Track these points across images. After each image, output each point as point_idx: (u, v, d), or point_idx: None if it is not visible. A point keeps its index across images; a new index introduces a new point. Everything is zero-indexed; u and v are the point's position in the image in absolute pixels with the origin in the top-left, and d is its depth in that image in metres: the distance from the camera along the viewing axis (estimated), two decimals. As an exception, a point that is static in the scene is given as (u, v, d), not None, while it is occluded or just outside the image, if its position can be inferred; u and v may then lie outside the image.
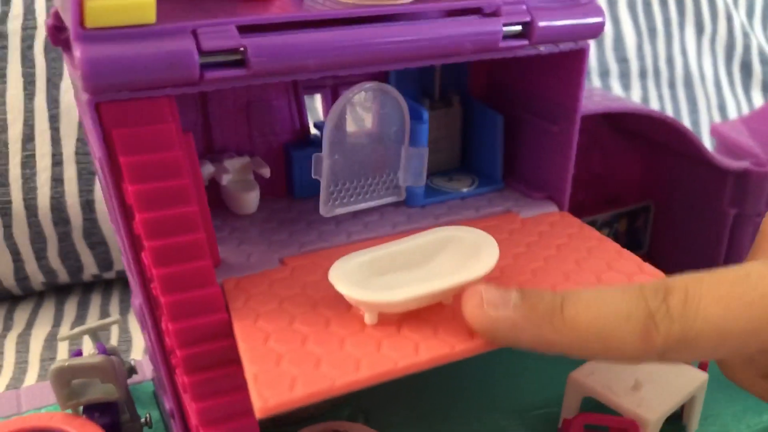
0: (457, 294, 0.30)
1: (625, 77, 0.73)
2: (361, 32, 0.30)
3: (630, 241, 0.54)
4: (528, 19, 0.33)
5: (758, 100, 0.79)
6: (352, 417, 0.43)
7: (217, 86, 0.28)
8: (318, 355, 0.28)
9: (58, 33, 0.33)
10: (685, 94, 0.75)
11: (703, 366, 0.43)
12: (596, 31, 0.35)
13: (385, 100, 0.35)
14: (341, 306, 0.30)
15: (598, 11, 0.35)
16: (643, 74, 0.74)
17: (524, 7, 0.33)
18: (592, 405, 0.40)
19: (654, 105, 0.75)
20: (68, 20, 0.26)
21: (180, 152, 0.28)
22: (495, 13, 0.32)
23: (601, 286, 0.29)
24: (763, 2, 0.81)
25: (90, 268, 0.61)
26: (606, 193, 0.53)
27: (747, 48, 0.78)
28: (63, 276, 0.61)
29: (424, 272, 0.31)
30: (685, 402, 0.40)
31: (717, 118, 0.77)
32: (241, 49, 0.28)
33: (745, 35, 0.78)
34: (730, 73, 0.78)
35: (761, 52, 0.79)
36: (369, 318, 0.29)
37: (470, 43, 0.32)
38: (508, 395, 0.45)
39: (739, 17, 0.78)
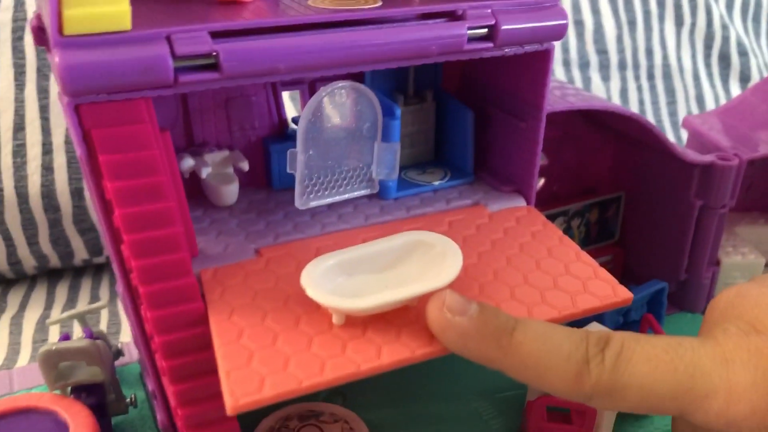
0: (421, 298, 0.31)
1: (604, 69, 0.74)
2: (331, 37, 0.31)
3: (601, 229, 0.55)
4: (492, 22, 0.34)
5: (736, 91, 0.81)
6: (329, 398, 0.45)
7: (192, 89, 0.30)
8: (287, 354, 0.29)
9: (41, 33, 0.34)
10: (664, 86, 0.77)
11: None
12: (560, 33, 0.37)
13: (359, 97, 0.37)
14: (311, 303, 0.31)
15: (562, 14, 0.36)
16: (622, 66, 0.75)
17: (489, 11, 0.34)
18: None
19: (633, 96, 0.76)
20: (47, 26, 0.28)
21: (157, 151, 0.30)
22: (460, 17, 0.34)
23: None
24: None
25: (80, 253, 0.63)
26: (579, 184, 0.55)
27: (726, 40, 0.80)
28: (54, 261, 0.63)
29: (391, 276, 0.33)
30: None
31: (695, 110, 0.78)
32: (214, 53, 0.29)
33: (724, 27, 0.80)
34: (708, 65, 0.79)
35: (739, 44, 0.80)
36: (336, 319, 0.31)
37: (436, 46, 0.33)
38: (479, 378, 0.47)
39: (719, 9, 0.79)
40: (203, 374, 0.32)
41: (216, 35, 0.29)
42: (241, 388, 0.28)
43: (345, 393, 0.46)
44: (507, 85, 0.41)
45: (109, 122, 0.29)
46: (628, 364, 0.28)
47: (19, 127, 0.58)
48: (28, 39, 0.58)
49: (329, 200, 0.38)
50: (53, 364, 0.38)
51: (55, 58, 0.27)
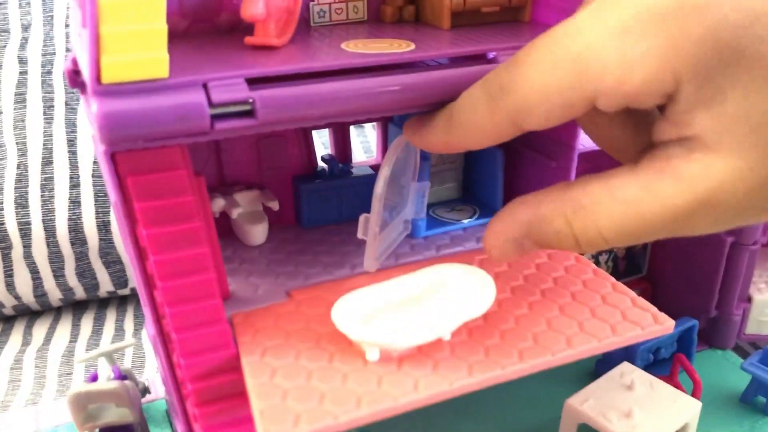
0: (455, 331, 0.31)
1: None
2: (364, 83, 0.31)
3: (629, 264, 0.55)
4: (525, 64, 0.34)
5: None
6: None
7: (227, 135, 0.30)
8: (322, 391, 0.29)
9: (75, 76, 0.34)
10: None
11: (696, 394, 0.44)
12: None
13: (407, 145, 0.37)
14: (344, 341, 0.32)
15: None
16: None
17: (522, 52, 0.34)
18: (588, 431, 0.41)
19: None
20: (85, 74, 0.28)
21: (192, 197, 0.30)
22: (494, 60, 0.34)
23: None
24: None
25: (106, 285, 0.63)
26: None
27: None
28: (80, 293, 0.63)
29: (424, 309, 0.33)
30: (678, 430, 0.41)
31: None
32: (250, 100, 0.29)
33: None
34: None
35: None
36: (370, 355, 0.31)
37: (469, 89, 0.33)
38: (507, 419, 0.46)
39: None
40: (237, 422, 0.32)
41: (251, 81, 0.29)
42: (276, 426, 0.27)
43: (369, 431, 0.45)
44: (537, 123, 0.41)
45: (145, 169, 0.29)
46: (520, 77, 0.27)
47: (47, 160, 0.58)
48: (57, 72, 0.59)
49: (388, 252, 0.38)
50: (82, 406, 0.37)
51: (93, 106, 0.27)
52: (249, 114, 0.29)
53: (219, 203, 0.39)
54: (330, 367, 0.31)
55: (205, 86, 0.28)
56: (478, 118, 0.29)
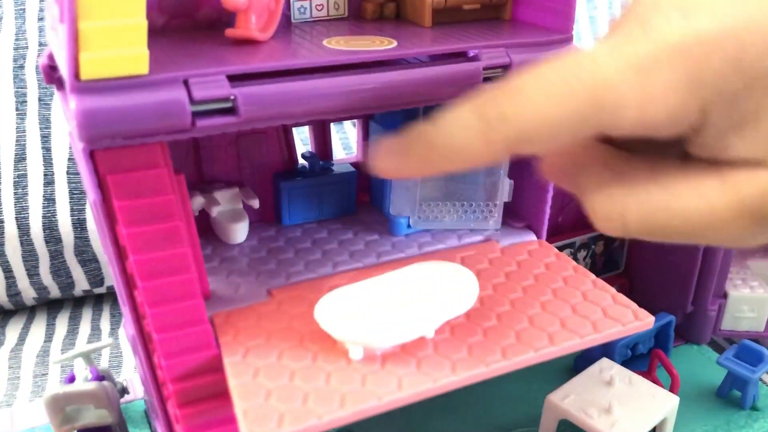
0: (438, 329, 0.31)
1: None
2: (347, 80, 0.31)
3: (607, 261, 0.55)
4: (507, 61, 0.34)
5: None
6: (337, 436, 0.44)
7: (208, 132, 0.29)
8: (305, 390, 0.29)
9: (52, 72, 0.34)
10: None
11: (674, 389, 0.45)
12: (573, 71, 0.37)
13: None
14: (327, 340, 0.31)
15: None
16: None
17: (503, 50, 0.34)
18: (568, 427, 0.42)
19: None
20: (63, 70, 0.27)
21: (172, 195, 0.29)
22: (475, 57, 0.34)
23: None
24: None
25: (81, 283, 0.62)
26: (584, 217, 0.55)
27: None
28: (54, 292, 0.62)
29: (408, 307, 0.33)
30: (657, 425, 0.42)
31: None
32: (232, 97, 0.29)
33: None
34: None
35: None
36: (354, 353, 0.30)
37: (451, 87, 0.33)
38: (489, 415, 0.47)
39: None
40: (220, 423, 0.32)
41: (233, 78, 0.29)
42: (259, 426, 0.27)
43: (353, 429, 0.45)
44: (518, 121, 0.41)
45: (125, 167, 0.28)
46: (527, 105, 0.25)
47: (20, 157, 0.57)
48: (30, 67, 0.58)
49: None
50: (60, 407, 0.37)
51: (71, 103, 0.26)
52: (231, 111, 0.29)
53: (198, 201, 0.38)
54: (313, 366, 0.30)
55: (186, 83, 0.28)
56: (469, 145, 0.26)
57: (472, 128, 0.26)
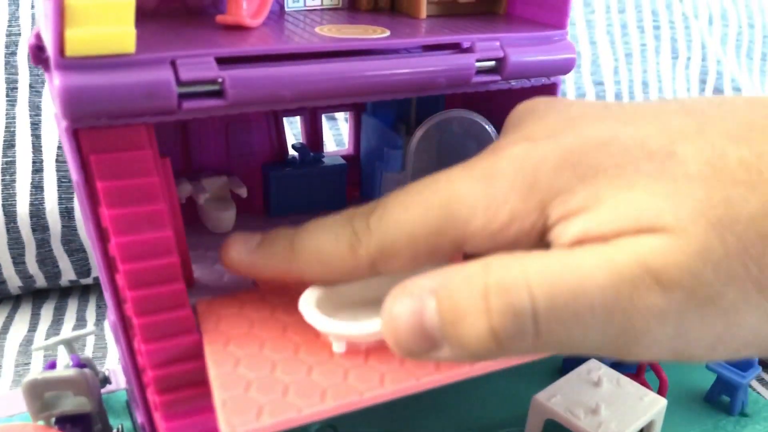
0: None
1: (601, 100, 0.74)
2: (337, 66, 0.30)
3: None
4: (501, 55, 0.34)
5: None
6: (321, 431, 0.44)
7: (195, 115, 0.29)
8: (286, 383, 0.28)
9: (39, 52, 0.33)
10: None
11: (662, 392, 0.44)
12: (568, 66, 0.37)
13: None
14: (310, 332, 0.31)
15: (570, 48, 0.36)
16: (618, 97, 0.75)
17: (497, 43, 0.34)
18: (555, 427, 0.41)
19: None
20: (48, 47, 0.27)
21: (157, 178, 0.29)
22: (469, 49, 0.33)
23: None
24: (736, 31, 0.83)
25: (67, 273, 0.61)
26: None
27: (720, 74, 0.80)
28: (40, 281, 0.61)
29: None
30: (644, 426, 0.41)
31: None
32: (219, 80, 0.28)
33: (718, 62, 0.80)
34: (703, 99, 0.79)
35: (733, 79, 0.81)
36: (337, 347, 0.30)
37: (444, 78, 0.33)
38: (474, 414, 0.46)
39: (713, 44, 0.80)
40: (198, 411, 0.31)
41: (222, 61, 0.28)
42: (238, 417, 0.27)
43: (336, 426, 0.45)
44: (511, 117, 0.41)
45: (109, 148, 0.28)
46: (389, 218, 0.27)
47: (9, 144, 0.56)
48: (22, 54, 0.57)
49: None
50: (38, 394, 0.36)
51: (55, 80, 0.26)
52: (218, 94, 0.29)
53: (186, 188, 0.38)
54: (295, 358, 0.30)
55: (173, 63, 0.28)
56: (336, 254, 0.28)
57: (342, 236, 0.28)
